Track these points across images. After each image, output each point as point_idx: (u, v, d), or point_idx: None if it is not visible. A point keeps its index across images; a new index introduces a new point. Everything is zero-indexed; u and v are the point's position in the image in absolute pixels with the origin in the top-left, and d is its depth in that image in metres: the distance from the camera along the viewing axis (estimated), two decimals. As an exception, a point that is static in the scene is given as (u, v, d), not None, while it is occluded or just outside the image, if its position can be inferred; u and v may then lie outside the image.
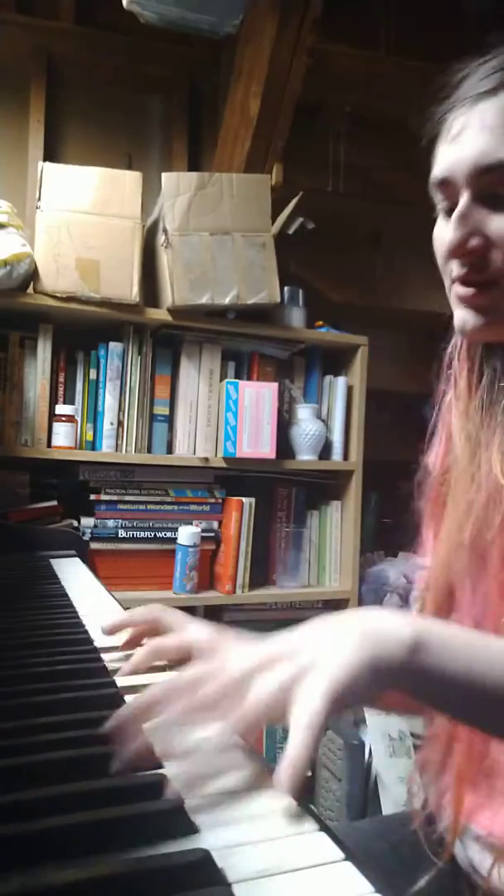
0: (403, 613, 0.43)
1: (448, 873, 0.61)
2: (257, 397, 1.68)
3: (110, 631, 0.61)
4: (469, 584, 0.60)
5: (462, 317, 0.60)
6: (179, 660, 0.58)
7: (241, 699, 0.37)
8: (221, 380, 1.70)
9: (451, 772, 0.60)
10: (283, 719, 0.36)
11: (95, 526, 1.60)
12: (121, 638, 0.61)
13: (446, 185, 0.58)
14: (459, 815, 0.60)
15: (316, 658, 0.38)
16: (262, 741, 1.76)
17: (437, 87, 0.59)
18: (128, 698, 0.48)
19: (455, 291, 0.59)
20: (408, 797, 0.68)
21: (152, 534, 1.65)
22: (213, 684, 0.39)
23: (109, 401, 1.62)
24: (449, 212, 0.58)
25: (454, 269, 0.58)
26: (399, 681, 0.41)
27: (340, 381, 1.83)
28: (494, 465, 0.58)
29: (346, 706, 0.37)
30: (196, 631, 0.58)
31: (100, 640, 0.62)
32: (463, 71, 0.58)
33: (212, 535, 1.70)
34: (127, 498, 1.63)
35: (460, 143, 0.56)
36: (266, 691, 0.37)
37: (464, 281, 0.58)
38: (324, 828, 0.33)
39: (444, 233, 0.58)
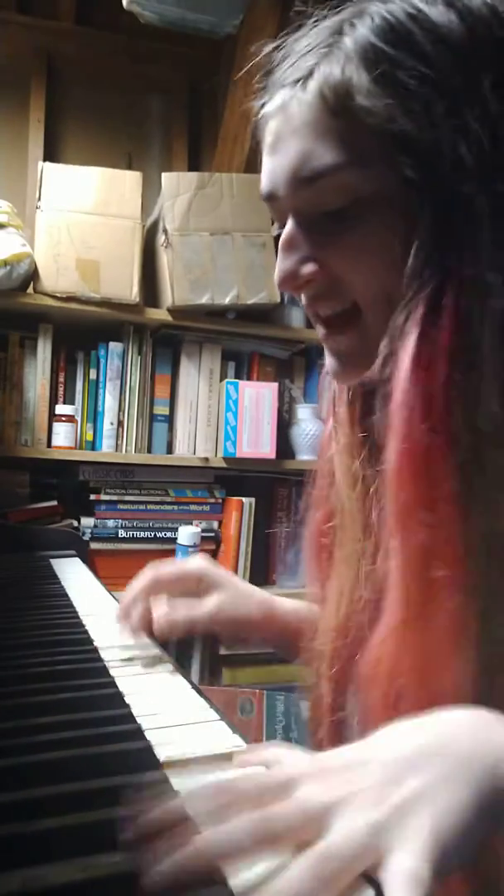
0: None
1: None
2: (257, 397, 1.68)
3: (124, 616, 0.61)
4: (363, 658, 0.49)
5: (328, 363, 0.51)
6: (182, 592, 0.60)
7: (315, 835, 0.28)
8: (221, 380, 1.70)
9: None
10: (371, 871, 0.27)
11: (95, 526, 1.60)
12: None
13: (273, 201, 0.49)
14: None
15: (416, 795, 0.28)
16: (262, 741, 1.76)
17: (252, 72, 0.50)
18: (129, 700, 0.48)
19: (318, 333, 0.51)
20: None
21: (152, 534, 1.65)
22: (282, 810, 0.29)
23: (109, 401, 1.62)
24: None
25: (302, 302, 0.50)
26: None
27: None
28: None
29: (452, 868, 0.27)
30: (193, 560, 0.60)
31: (100, 641, 0.62)
32: (277, 52, 0.48)
33: (212, 535, 1.70)
34: (127, 498, 1.63)
35: (276, 154, 0.47)
36: (352, 834, 0.28)
37: (315, 316, 0.50)
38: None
39: (278, 260, 0.49)
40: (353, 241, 0.45)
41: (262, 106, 0.48)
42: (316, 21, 0.47)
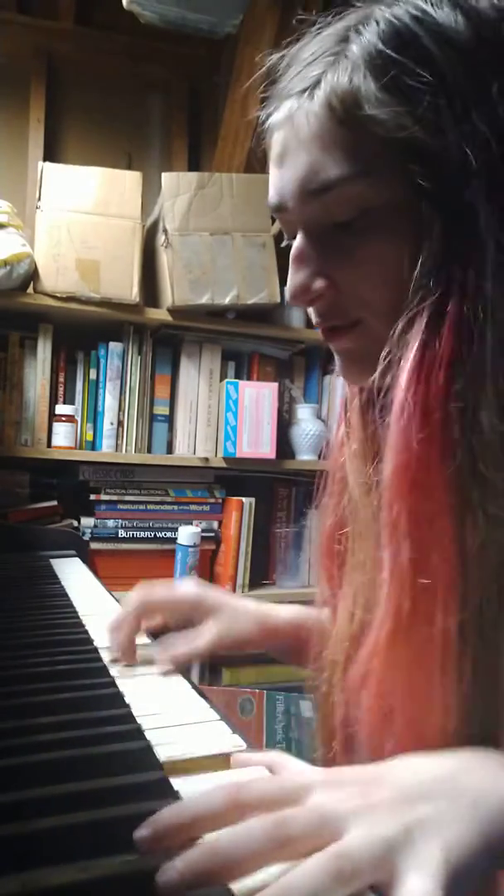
0: None
1: None
2: (257, 397, 1.68)
3: (110, 637, 0.59)
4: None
5: (338, 365, 0.52)
6: (173, 619, 0.59)
7: (329, 841, 0.28)
8: (221, 380, 1.70)
9: None
10: (382, 886, 0.28)
11: (95, 526, 1.60)
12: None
13: (282, 212, 0.48)
14: None
15: (428, 821, 0.29)
16: (262, 747, 1.76)
17: (260, 78, 0.49)
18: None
19: (323, 335, 0.51)
20: None
21: (152, 534, 1.65)
22: (298, 814, 0.29)
23: (109, 401, 1.62)
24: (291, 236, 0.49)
25: (311, 314, 0.50)
26: None
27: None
28: None
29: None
30: (184, 587, 0.59)
31: (100, 641, 0.62)
32: (280, 61, 0.48)
33: (212, 535, 1.70)
34: (127, 498, 1.63)
35: (284, 166, 0.46)
36: (366, 844, 0.28)
37: (323, 329, 0.50)
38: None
39: (289, 274, 0.48)
40: (363, 254, 0.45)
41: (268, 116, 0.48)
42: (319, 28, 0.46)
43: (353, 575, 0.52)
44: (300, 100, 0.44)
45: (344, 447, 0.55)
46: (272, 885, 0.26)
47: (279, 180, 0.47)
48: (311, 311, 0.50)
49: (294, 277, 0.47)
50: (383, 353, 0.44)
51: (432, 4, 0.41)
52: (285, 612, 0.67)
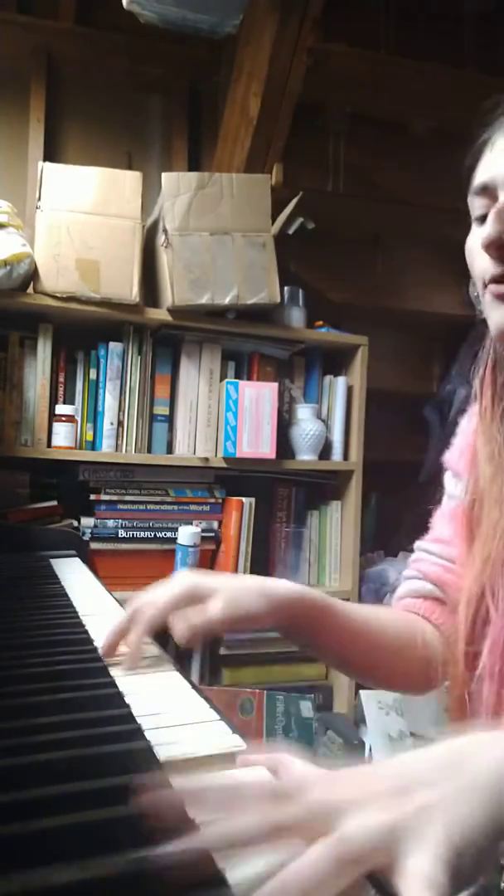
0: None
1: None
2: (257, 397, 1.68)
3: (108, 651, 0.59)
4: (501, 595, 0.60)
5: (500, 316, 0.59)
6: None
7: (324, 832, 0.29)
8: (221, 380, 1.70)
9: None
10: (382, 871, 0.28)
11: (95, 526, 1.60)
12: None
13: (486, 191, 0.60)
14: None
15: (429, 805, 0.29)
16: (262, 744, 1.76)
17: (485, 111, 0.61)
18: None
19: (491, 290, 0.59)
20: None
21: (152, 534, 1.65)
22: (295, 804, 0.30)
23: (109, 401, 1.62)
24: (484, 218, 0.59)
25: (489, 268, 0.59)
26: None
27: (340, 381, 1.83)
28: None
29: (462, 880, 0.28)
30: (177, 583, 0.59)
31: (100, 641, 0.62)
32: None
33: (212, 535, 1.70)
34: (127, 498, 1.63)
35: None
36: (367, 830, 0.28)
37: (500, 279, 0.58)
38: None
39: (480, 232, 0.59)
40: None
41: (492, 129, 0.61)
42: None
43: (482, 542, 0.62)
44: None
45: (478, 424, 0.66)
46: (276, 875, 0.27)
47: (496, 162, 0.59)
48: (490, 265, 0.59)
49: (493, 227, 0.57)
50: None
51: None
52: (285, 585, 0.65)
